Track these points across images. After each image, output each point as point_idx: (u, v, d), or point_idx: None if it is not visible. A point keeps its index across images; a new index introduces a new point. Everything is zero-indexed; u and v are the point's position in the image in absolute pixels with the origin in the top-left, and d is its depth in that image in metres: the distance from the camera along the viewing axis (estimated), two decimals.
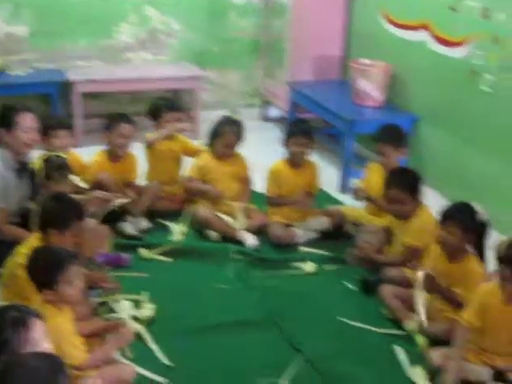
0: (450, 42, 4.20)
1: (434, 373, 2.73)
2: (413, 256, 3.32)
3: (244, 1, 5.66)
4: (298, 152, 3.85)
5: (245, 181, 4.02)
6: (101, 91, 5.29)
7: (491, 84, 3.90)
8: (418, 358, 2.84)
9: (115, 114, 4.06)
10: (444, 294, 2.98)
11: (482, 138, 4.04)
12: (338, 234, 3.86)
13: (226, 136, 3.88)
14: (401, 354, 2.90)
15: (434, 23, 4.35)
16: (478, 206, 2.97)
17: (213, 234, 3.81)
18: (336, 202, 4.28)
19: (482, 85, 3.96)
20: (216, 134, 3.91)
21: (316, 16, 5.18)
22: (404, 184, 3.35)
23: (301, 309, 3.24)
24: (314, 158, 4.07)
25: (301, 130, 3.89)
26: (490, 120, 3.96)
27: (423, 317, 2.90)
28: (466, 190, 4.11)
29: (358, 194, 3.84)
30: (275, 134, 5.44)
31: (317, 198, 4.04)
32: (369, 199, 3.81)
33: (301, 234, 3.83)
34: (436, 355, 2.79)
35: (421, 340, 2.94)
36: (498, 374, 2.67)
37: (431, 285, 2.96)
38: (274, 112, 5.90)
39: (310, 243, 3.81)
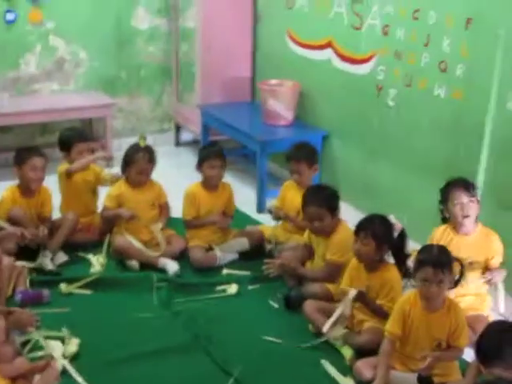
0: (355, 60, 4.33)
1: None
2: (335, 271, 3.38)
3: (150, 27, 5.65)
4: (213, 175, 3.87)
5: (162, 207, 4.00)
6: (9, 124, 5.17)
7: (395, 98, 4.05)
8: (346, 370, 2.90)
9: (25, 147, 3.97)
10: (373, 307, 3.06)
11: (389, 150, 4.18)
12: (258, 254, 3.88)
13: (138, 163, 3.85)
14: (329, 367, 2.95)
15: (337, 42, 4.48)
16: (392, 217, 3.07)
17: (133, 264, 3.77)
18: (254, 221, 4.31)
19: (386, 99, 4.10)
20: (128, 162, 3.87)
21: (223, 39, 5.23)
22: (321, 201, 3.41)
23: (227, 331, 3.25)
24: (229, 179, 4.10)
25: (213, 153, 3.91)
26: (395, 133, 4.10)
27: (328, 325, 2.99)
28: (379, 202, 4.22)
29: (274, 213, 3.90)
30: (189, 157, 5.45)
31: (235, 219, 4.07)
32: (286, 217, 3.86)
33: (221, 256, 3.84)
34: (363, 366, 2.86)
35: (347, 352, 3.00)
36: (423, 379, 2.75)
37: (362, 301, 3.04)
38: (186, 136, 5.91)
39: (231, 264, 3.83)
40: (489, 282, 3.23)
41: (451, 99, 3.64)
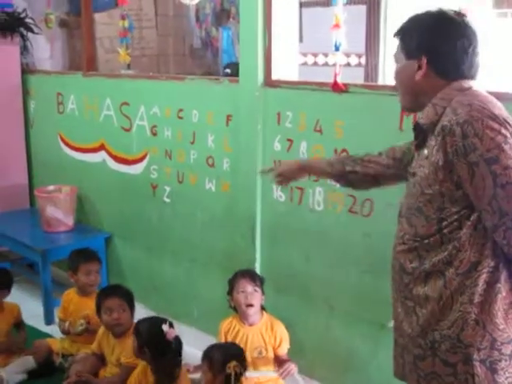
0: (128, 160, 4.39)
1: None
2: (128, 373, 3.31)
3: None
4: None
5: None
6: None
7: (170, 194, 4.14)
8: None
9: None
10: None
11: (170, 245, 4.24)
12: (49, 370, 3.72)
13: None
14: None
15: (109, 144, 4.52)
16: (164, 326, 3.07)
17: None
18: (45, 335, 4.14)
19: (162, 196, 4.18)
20: None
21: None
22: (122, 294, 3.48)
23: None
24: (15, 292, 3.93)
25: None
26: (174, 228, 4.18)
27: None
28: (167, 298, 4.28)
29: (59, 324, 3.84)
30: None
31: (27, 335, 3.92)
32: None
33: (8, 378, 3.61)
34: None
35: None
36: None
37: None
38: None
39: None
40: (283, 375, 3.30)
41: (221, 192, 3.80)
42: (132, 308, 3.51)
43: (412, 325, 2.08)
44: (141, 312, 4.00)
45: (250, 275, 3.35)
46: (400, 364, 2.21)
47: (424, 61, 2.00)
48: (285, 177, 2.66)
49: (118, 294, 3.49)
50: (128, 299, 3.49)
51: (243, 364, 2.92)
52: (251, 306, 3.29)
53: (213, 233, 3.91)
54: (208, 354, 2.98)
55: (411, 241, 2.05)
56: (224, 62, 5.39)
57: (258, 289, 3.31)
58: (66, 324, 3.79)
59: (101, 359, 3.54)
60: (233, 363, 2.84)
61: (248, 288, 3.29)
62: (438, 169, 1.91)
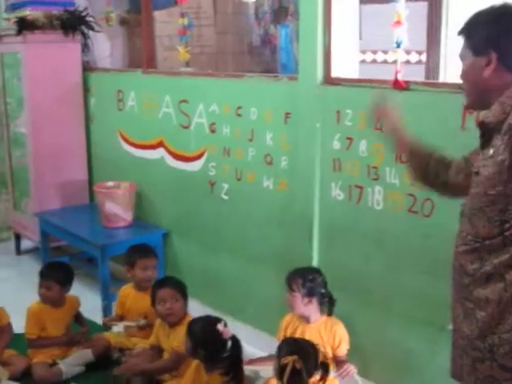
0: (186, 157, 4.42)
1: None
2: (179, 360, 3.36)
3: None
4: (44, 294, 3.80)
5: (3, 330, 3.79)
6: None
7: (228, 192, 4.15)
8: None
9: None
10: None
11: (227, 243, 4.25)
12: (106, 363, 3.77)
13: None
14: None
15: (167, 141, 4.56)
16: (220, 325, 3.07)
17: None
18: (102, 329, 4.20)
19: (220, 193, 4.20)
20: None
21: (55, 142, 5.18)
22: (174, 282, 3.57)
23: None
24: (75, 285, 4.00)
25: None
26: (231, 225, 4.19)
27: None
28: (223, 296, 4.29)
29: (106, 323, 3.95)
30: (32, 265, 5.29)
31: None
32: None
33: (66, 370, 3.69)
34: None
35: None
36: None
37: None
38: (28, 243, 5.71)
39: (77, 378, 3.68)
40: (342, 376, 3.27)
41: (279, 190, 3.78)
42: (185, 298, 3.54)
43: (471, 327, 2.03)
44: (197, 308, 4.03)
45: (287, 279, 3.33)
46: (458, 365, 2.16)
47: (493, 56, 1.95)
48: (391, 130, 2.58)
49: (170, 284, 3.55)
50: (180, 289, 3.53)
51: (310, 363, 2.87)
52: (293, 308, 3.30)
53: (270, 231, 3.91)
54: (280, 344, 2.99)
55: (473, 241, 2.00)
56: (282, 60, 5.37)
57: (295, 293, 3.26)
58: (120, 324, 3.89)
59: (158, 352, 3.58)
60: (293, 357, 2.81)
61: (288, 294, 3.29)
62: (503, 169, 1.86)
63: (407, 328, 3.28)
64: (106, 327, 4.00)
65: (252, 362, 3.42)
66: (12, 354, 3.77)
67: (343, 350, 3.31)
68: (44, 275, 3.85)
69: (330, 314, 3.32)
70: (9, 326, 3.84)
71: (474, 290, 2.01)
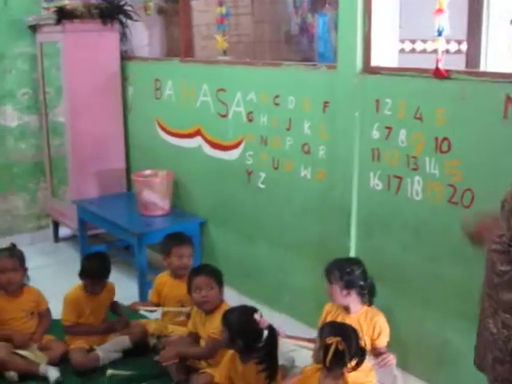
0: (224, 146, 4.42)
1: None
2: (214, 348, 3.37)
3: (20, 124, 5.58)
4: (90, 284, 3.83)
5: (42, 316, 3.86)
6: None
7: (265, 181, 4.15)
8: None
9: None
10: None
11: (264, 232, 4.25)
12: (142, 350, 3.80)
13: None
14: None
15: (205, 130, 4.57)
16: (257, 314, 3.06)
17: (11, 375, 3.59)
18: (139, 316, 4.23)
19: (257, 182, 4.19)
20: None
21: (93, 132, 5.22)
22: (209, 270, 3.56)
23: None
24: (112, 272, 4.03)
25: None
26: (267, 214, 4.19)
27: None
28: (260, 285, 4.29)
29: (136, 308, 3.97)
30: (69, 253, 5.37)
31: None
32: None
33: (104, 356, 3.72)
34: None
35: None
36: None
37: None
38: (66, 231, 5.78)
39: (115, 364, 3.71)
40: (380, 365, 3.23)
41: (316, 179, 3.77)
42: (220, 285, 3.54)
43: (497, 325, 2.02)
44: (233, 297, 4.04)
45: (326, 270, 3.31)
46: (481, 355, 2.14)
47: None
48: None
49: (205, 272, 3.55)
50: (215, 277, 3.54)
51: (352, 347, 2.83)
52: (332, 299, 3.29)
53: (307, 220, 3.89)
54: (322, 327, 2.95)
55: (506, 244, 1.98)
56: (319, 49, 5.34)
57: (333, 285, 3.24)
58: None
59: (195, 339, 3.60)
60: (336, 338, 2.79)
61: (327, 285, 3.28)
62: None
63: (444, 320, 3.24)
64: (134, 311, 4.00)
65: (289, 336, 3.41)
66: (50, 339, 3.82)
67: (383, 342, 3.27)
68: (85, 274, 3.85)
69: (370, 304, 3.30)
70: (47, 311, 3.90)
71: (500, 292, 2.00)
